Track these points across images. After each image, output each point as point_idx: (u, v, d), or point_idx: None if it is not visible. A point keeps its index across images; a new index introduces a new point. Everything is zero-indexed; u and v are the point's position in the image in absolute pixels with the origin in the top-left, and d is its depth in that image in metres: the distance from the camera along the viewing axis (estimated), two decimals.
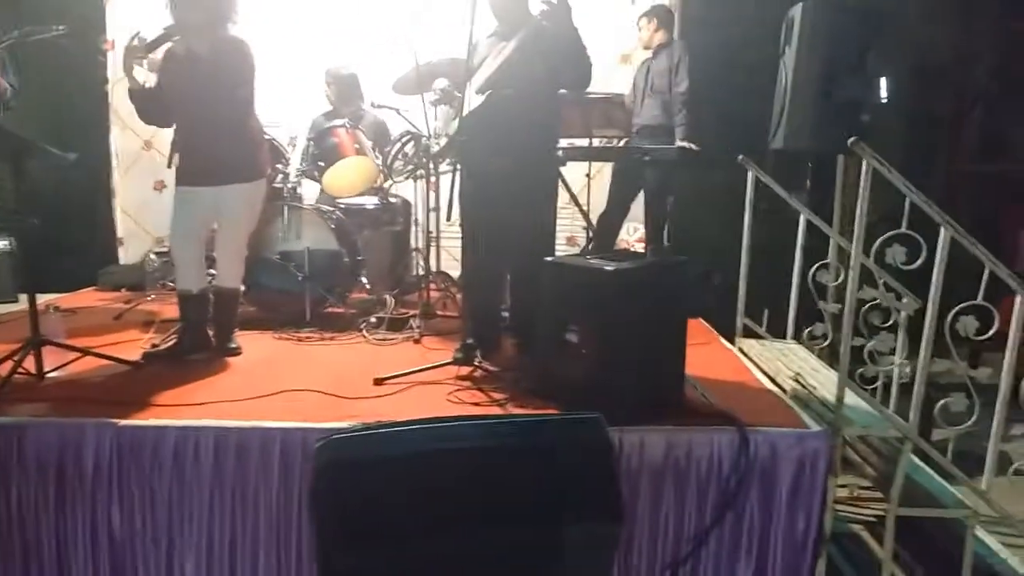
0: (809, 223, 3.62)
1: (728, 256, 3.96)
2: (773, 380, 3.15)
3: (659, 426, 2.48)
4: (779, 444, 2.45)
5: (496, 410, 2.70)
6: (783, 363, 3.34)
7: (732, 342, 3.78)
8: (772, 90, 3.70)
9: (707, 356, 3.45)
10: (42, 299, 3.44)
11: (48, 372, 2.94)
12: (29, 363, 2.88)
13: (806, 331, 3.66)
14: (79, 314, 4.25)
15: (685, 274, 2.84)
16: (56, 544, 2.47)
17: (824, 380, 3.06)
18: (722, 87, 4.83)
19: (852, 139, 2.48)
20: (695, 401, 2.78)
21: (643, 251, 4.64)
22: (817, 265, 3.58)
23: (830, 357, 3.46)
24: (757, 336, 3.82)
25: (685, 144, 4.24)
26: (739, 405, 2.69)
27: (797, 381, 3.03)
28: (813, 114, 3.35)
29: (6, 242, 4.66)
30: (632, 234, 5.06)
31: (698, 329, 3.92)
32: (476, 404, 2.75)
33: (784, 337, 3.79)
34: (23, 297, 3.15)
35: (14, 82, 3.65)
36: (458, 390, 2.88)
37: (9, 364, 2.81)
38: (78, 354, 3.07)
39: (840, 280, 3.50)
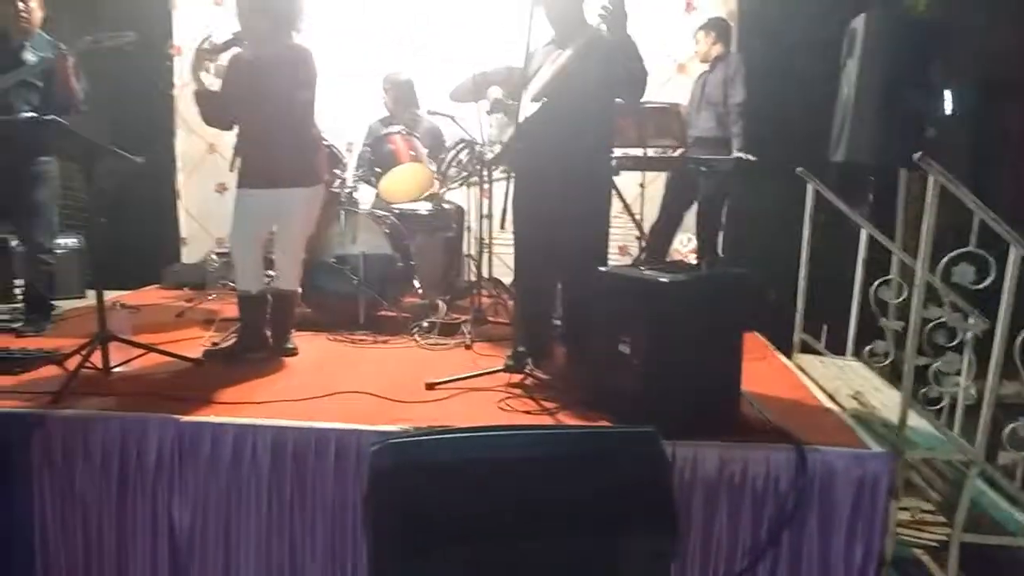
0: (871, 237, 3.53)
1: (784, 269, 3.89)
2: (832, 398, 3.07)
3: (713, 441, 2.45)
4: (838, 464, 2.39)
5: (547, 419, 2.70)
6: (843, 381, 3.27)
7: (789, 357, 3.70)
8: (831, 102, 3.62)
9: (763, 371, 3.39)
10: (109, 296, 3.54)
11: (114, 367, 3.03)
12: (96, 358, 2.98)
13: (867, 348, 3.56)
14: (143, 311, 4.39)
15: (741, 287, 2.79)
16: (117, 535, 2.55)
17: (886, 400, 2.98)
18: (780, 99, 4.76)
19: (917, 154, 2.41)
20: (751, 417, 2.73)
21: (696, 263, 4.59)
22: (879, 281, 3.48)
23: (892, 376, 3.36)
24: (815, 352, 3.74)
25: (741, 155, 4.19)
26: (796, 423, 2.63)
27: (857, 400, 2.96)
28: (876, 127, 3.26)
29: (75, 240, 4.84)
30: (686, 245, 5.01)
31: (754, 343, 3.86)
32: (527, 412, 2.75)
33: (843, 354, 3.70)
34: (91, 293, 3.25)
35: (85, 87, 3.78)
36: (509, 398, 2.89)
37: (77, 359, 2.91)
38: (142, 350, 3.17)
39: (903, 297, 3.40)
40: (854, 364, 3.59)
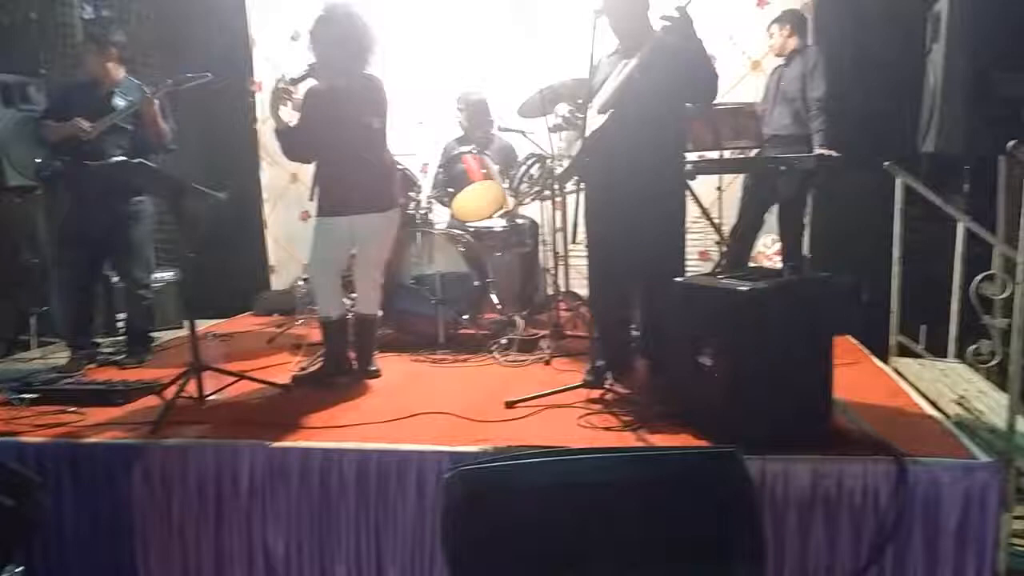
0: (969, 231, 3.33)
1: (875, 268, 3.71)
2: (934, 404, 2.89)
3: (805, 455, 2.34)
4: (942, 476, 2.25)
5: (628, 436, 2.64)
6: (945, 385, 3.08)
7: (885, 362, 3.52)
8: (918, 90, 3.44)
9: (857, 378, 3.23)
10: (203, 326, 3.71)
11: (208, 395, 3.16)
12: (192, 387, 3.11)
13: (970, 349, 3.34)
14: (235, 339, 4.57)
15: (828, 290, 2.67)
16: (215, 559, 2.64)
17: (993, 404, 2.79)
18: (861, 90, 4.55)
19: (1012, 142, 2.25)
20: (845, 428, 2.60)
21: (781, 265, 4.43)
22: (981, 276, 3.27)
23: (999, 378, 3.14)
24: (914, 355, 3.54)
25: (824, 151, 4.02)
26: (895, 432, 2.49)
27: (962, 405, 2.78)
28: (966, 115, 3.08)
29: (172, 273, 5.09)
30: (770, 247, 4.84)
31: (846, 348, 3.69)
32: (607, 428, 2.71)
33: (945, 356, 3.49)
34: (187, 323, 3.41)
35: (173, 126, 3.98)
36: (589, 414, 2.85)
37: (173, 389, 3.05)
38: (234, 378, 3.29)
39: (1008, 292, 3.18)
40: (957, 366, 3.38)
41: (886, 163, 3.45)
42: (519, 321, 4.14)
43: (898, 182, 3.43)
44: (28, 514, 2.10)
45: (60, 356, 4.07)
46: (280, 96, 3.33)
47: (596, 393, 3.02)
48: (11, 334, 4.83)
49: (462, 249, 4.14)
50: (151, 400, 3.19)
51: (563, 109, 3.59)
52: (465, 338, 4.14)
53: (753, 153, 4.33)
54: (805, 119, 4.21)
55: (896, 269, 3.44)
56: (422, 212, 4.31)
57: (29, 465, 2.58)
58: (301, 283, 5.16)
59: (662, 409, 2.78)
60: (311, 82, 3.39)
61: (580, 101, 3.28)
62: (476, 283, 4.11)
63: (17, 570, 2.11)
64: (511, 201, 4.47)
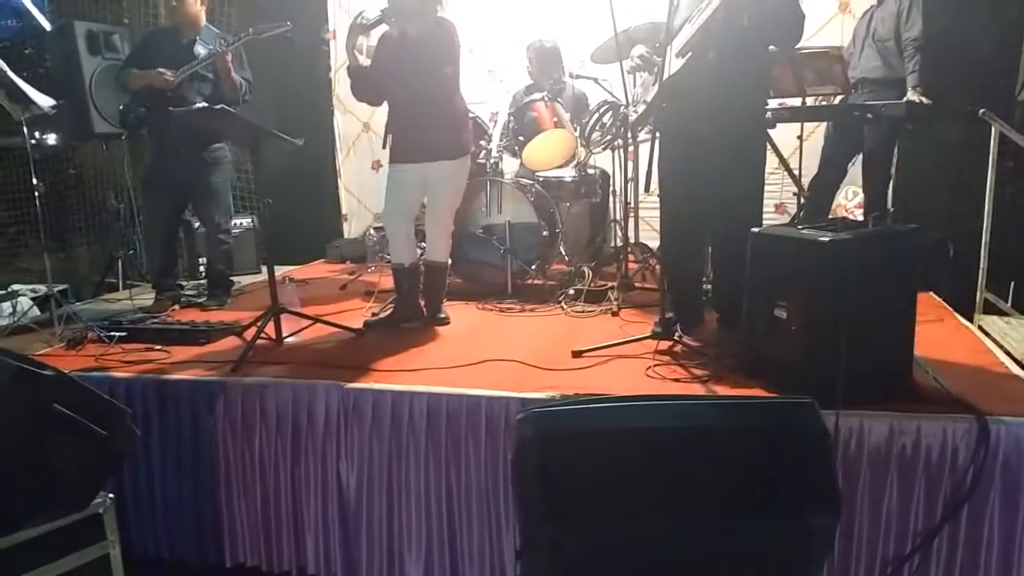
0: None
1: (965, 222, 3.54)
2: (1020, 364, 2.77)
3: (881, 411, 2.28)
4: None
5: (697, 387, 2.62)
6: None
7: (970, 319, 3.37)
8: (1018, 35, 3.22)
9: (940, 335, 3.11)
10: (280, 271, 3.81)
11: (286, 337, 3.27)
12: (270, 329, 3.22)
13: None
14: (310, 284, 4.69)
15: (914, 244, 2.56)
16: (292, 490, 2.76)
17: None
18: (958, 33, 4.28)
19: None
20: (925, 385, 2.52)
21: (863, 218, 4.26)
22: None
23: None
24: (1001, 313, 3.38)
25: (915, 97, 3.81)
26: (978, 391, 2.40)
27: None
28: None
29: (250, 219, 5.24)
30: (851, 199, 4.67)
31: (929, 304, 3.55)
32: (676, 380, 2.69)
33: None
34: (265, 268, 3.52)
35: (248, 76, 4.05)
36: (657, 365, 2.83)
37: (253, 330, 3.16)
38: (310, 321, 3.38)
39: None
40: None
41: (981, 110, 3.25)
42: (587, 272, 4.12)
43: (994, 130, 3.24)
44: (119, 443, 2.21)
45: (146, 298, 4.25)
46: (355, 34, 3.35)
47: (665, 345, 2.99)
48: (99, 276, 5.07)
49: (531, 199, 4.12)
50: (232, 340, 3.32)
51: (640, 50, 3.48)
52: (533, 288, 4.15)
53: (838, 100, 4.15)
54: (897, 62, 3.98)
55: (986, 223, 3.27)
56: (492, 161, 4.29)
57: (119, 399, 2.72)
58: (372, 232, 5.26)
59: (733, 362, 2.74)
60: (385, 27, 3.39)
61: (658, 44, 3.18)
62: (545, 233, 4.10)
63: (109, 496, 2.24)
64: (582, 151, 4.41)
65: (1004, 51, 4.14)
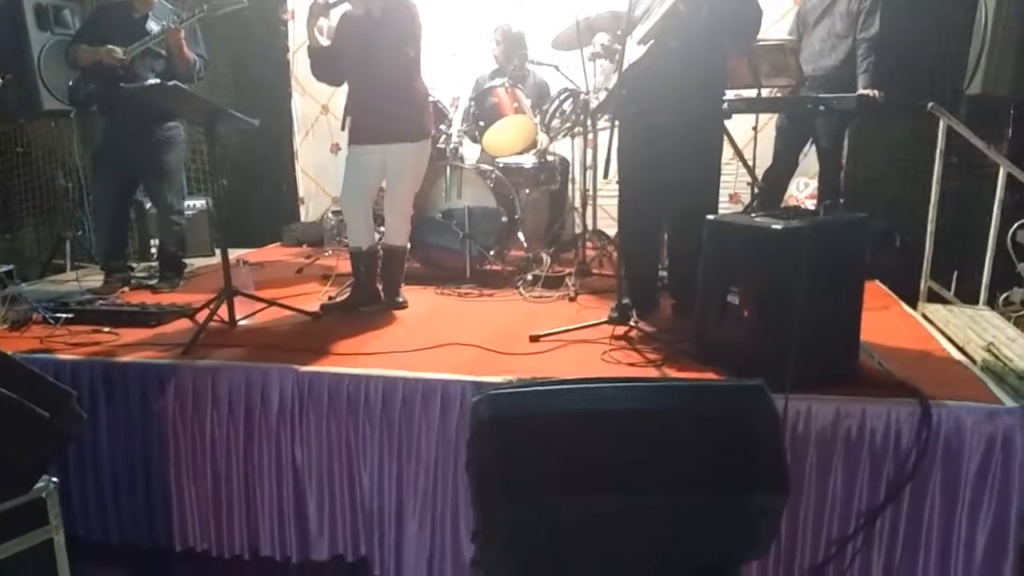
0: (1009, 177, 3.24)
1: (911, 213, 3.64)
2: (962, 350, 2.87)
3: (829, 394, 2.34)
4: (966, 420, 2.24)
5: (652, 372, 2.66)
6: (974, 331, 3.04)
7: (914, 307, 3.48)
8: (966, 30, 3.31)
9: (886, 322, 3.20)
10: (234, 254, 3.75)
11: (239, 320, 3.22)
12: (223, 312, 3.17)
13: (1002, 296, 3.30)
14: (265, 267, 4.62)
15: (862, 233, 2.62)
16: (244, 473, 2.73)
17: (1022, 352, 2.76)
18: (908, 28, 4.38)
19: None
20: (870, 370, 2.59)
21: (814, 208, 4.35)
22: (1017, 224, 3.20)
23: None
24: (944, 301, 3.50)
25: (867, 92, 3.89)
26: (921, 376, 2.48)
27: (990, 351, 2.75)
28: (1016, 56, 2.96)
29: (204, 201, 5.13)
30: (802, 190, 4.76)
31: (876, 292, 3.65)
32: (632, 365, 2.72)
33: (976, 303, 3.45)
34: (219, 251, 3.45)
35: (203, 53, 3.96)
36: (613, 350, 2.86)
37: (205, 313, 3.11)
38: (265, 304, 3.34)
39: None
40: (987, 313, 3.34)
41: (930, 104, 3.34)
42: (545, 258, 4.14)
43: (941, 124, 3.33)
44: (63, 426, 2.16)
45: (94, 279, 4.15)
46: (316, 13, 3.30)
47: (621, 330, 3.02)
48: (46, 257, 4.93)
49: (491, 184, 4.12)
50: (184, 323, 3.27)
51: (602, 38, 3.50)
52: (491, 273, 4.16)
53: (791, 92, 4.21)
54: (851, 58, 4.06)
55: (932, 214, 3.37)
56: (452, 146, 4.28)
57: (64, 382, 2.66)
58: (330, 215, 5.21)
59: (687, 347, 2.78)
60: (347, 7, 3.34)
61: (619, 32, 3.20)
62: (504, 219, 4.10)
63: (52, 480, 2.19)
64: (542, 137, 4.42)
65: (951, 47, 4.25)
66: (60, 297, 3.70)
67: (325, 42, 3.40)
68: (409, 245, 3.73)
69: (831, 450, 2.32)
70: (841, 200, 4.33)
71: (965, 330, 3.07)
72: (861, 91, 3.90)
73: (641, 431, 1.59)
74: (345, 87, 3.55)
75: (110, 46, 3.71)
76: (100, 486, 2.83)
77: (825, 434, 2.32)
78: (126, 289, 4.00)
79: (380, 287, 3.61)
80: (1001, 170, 3.27)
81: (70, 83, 4.01)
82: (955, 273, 3.52)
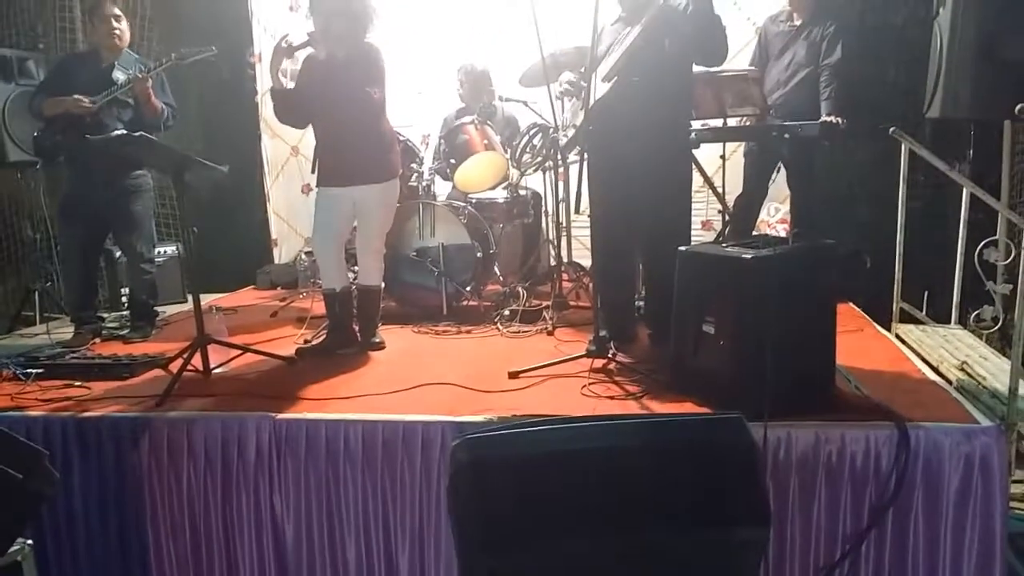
0: (973, 197, 3.31)
1: (881, 235, 3.70)
2: (936, 370, 2.91)
3: (807, 421, 2.35)
4: (944, 441, 2.26)
5: (632, 404, 2.66)
6: (947, 351, 3.09)
7: (888, 328, 3.52)
8: (924, 56, 3.40)
9: (860, 344, 3.24)
10: (206, 300, 3.71)
11: (213, 368, 3.17)
12: (197, 360, 3.12)
13: (973, 315, 3.35)
14: (239, 312, 4.58)
15: (832, 258, 2.66)
16: (223, 527, 2.67)
17: (994, 369, 2.81)
18: (866, 54, 4.50)
19: (1021, 105, 2.23)
20: (847, 394, 2.62)
21: (785, 234, 4.41)
22: (984, 242, 3.27)
23: (1001, 343, 3.16)
24: (916, 321, 3.55)
25: (830, 119, 3.98)
26: (898, 398, 2.51)
27: (964, 371, 2.79)
28: (974, 79, 3.04)
29: (174, 248, 5.08)
30: (773, 215, 4.83)
31: (849, 315, 3.69)
32: (611, 398, 2.72)
33: (948, 322, 3.50)
34: (190, 297, 3.41)
35: (171, 102, 3.95)
36: (593, 383, 2.86)
37: (179, 363, 3.06)
38: (239, 351, 3.30)
39: (1011, 258, 3.18)
40: (959, 332, 3.39)
41: (892, 129, 3.42)
42: (521, 292, 4.14)
43: (903, 148, 3.41)
44: (37, 486, 2.11)
45: (64, 331, 4.08)
46: (280, 55, 3.30)
47: (600, 363, 3.02)
48: (14, 310, 4.84)
49: (464, 221, 4.13)
50: (157, 373, 3.21)
51: (567, 76, 3.55)
52: (468, 310, 4.15)
53: (756, 121, 4.29)
54: (814, 86, 4.14)
55: (900, 236, 3.43)
56: (424, 184, 4.29)
57: (36, 439, 2.60)
58: (303, 257, 5.18)
59: (665, 378, 2.79)
60: (310, 50, 3.36)
61: (583, 69, 3.25)
62: (479, 255, 4.11)
63: (27, 543, 2.13)
64: (514, 172, 4.45)
65: (911, 72, 4.36)
66: (30, 351, 3.63)
67: (289, 85, 3.41)
68: (384, 284, 3.71)
69: (813, 476, 2.33)
70: (812, 224, 4.40)
71: (939, 350, 3.11)
72: (824, 118, 3.98)
73: (621, 469, 1.57)
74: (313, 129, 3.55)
75: (77, 96, 3.69)
76: (75, 546, 2.75)
77: (806, 460, 2.33)
78: (97, 340, 3.93)
79: (357, 328, 3.58)
80: (964, 190, 3.34)
81: (35, 134, 3.98)
82: (925, 293, 3.58)
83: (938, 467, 2.27)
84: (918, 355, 3.11)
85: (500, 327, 3.83)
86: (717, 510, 1.52)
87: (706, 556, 1.53)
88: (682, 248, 2.74)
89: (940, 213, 3.62)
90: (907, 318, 3.56)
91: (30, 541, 2.14)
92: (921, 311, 3.58)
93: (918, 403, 2.50)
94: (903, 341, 3.34)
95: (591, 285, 4.12)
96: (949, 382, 2.75)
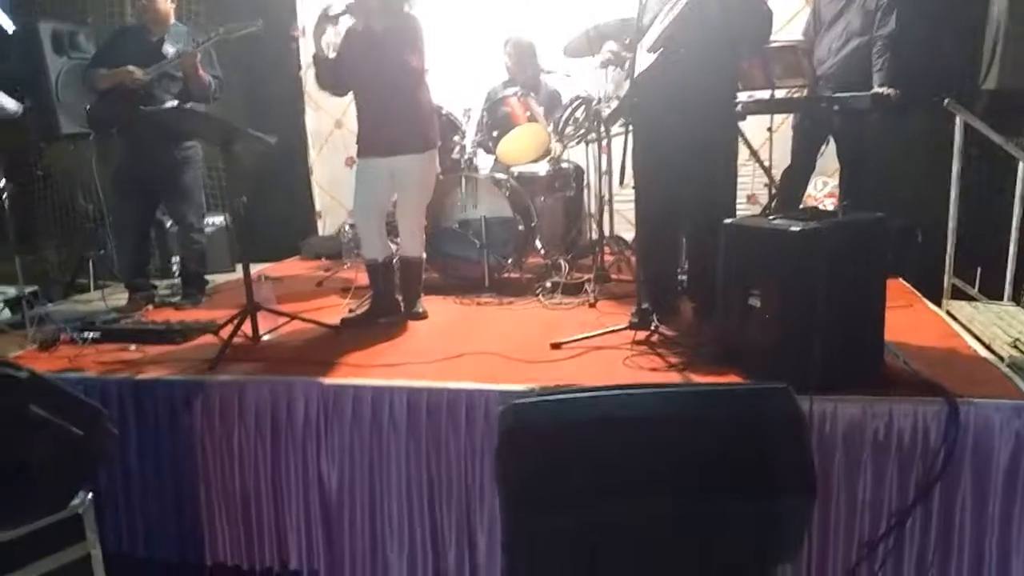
0: None
1: (932, 210, 3.62)
2: (988, 347, 2.85)
3: (854, 395, 2.33)
4: (995, 417, 2.22)
5: (675, 376, 2.66)
6: (1000, 328, 3.02)
7: (938, 304, 3.45)
8: (979, 26, 3.29)
9: (910, 320, 3.18)
10: (255, 269, 3.79)
11: (263, 335, 3.25)
12: (246, 327, 3.20)
13: None
14: (285, 281, 4.66)
15: (882, 232, 2.61)
16: (272, 487, 2.75)
17: None
18: (922, 23, 4.35)
19: None
20: (896, 369, 2.58)
21: (833, 208, 4.33)
22: None
23: None
24: (968, 298, 3.46)
25: (882, 90, 3.87)
26: (948, 374, 2.47)
27: (1017, 348, 2.72)
28: None
29: (222, 218, 5.18)
30: (821, 189, 4.74)
31: (899, 291, 3.63)
32: (654, 370, 2.73)
33: (1000, 299, 3.41)
34: (239, 267, 3.48)
35: (219, 74, 4.01)
36: (635, 355, 2.87)
37: (229, 329, 3.14)
38: (287, 319, 3.37)
39: None
40: (1012, 310, 3.31)
41: (946, 100, 3.32)
42: (563, 265, 4.15)
43: (958, 120, 3.31)
44: (97, 443, 2.19)
45: (118, 298, 4.20)
46: (323, 22, 3.34)
47: (642, 335, 3.02)
48: (69, 277, 5.00)
49: (506, 193, 4.14)
50: (207, 339, 3.29)
51: (611, 46, 3.51)
52: (509, 282, 4.17)
53: (806, 92, 4.20)
54: (866, 56, 4.03)
55: (953, 210, 3.35)
56: (466, 157, 4.30)
57: (94, 399, 2.69)
58: (347, 228, 5.23)
59: (709, 351, 2.78)
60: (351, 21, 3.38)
61: (628, 41, 3.21)
62: (520, 227, 4.11)
63: (88, 497, 2.22)
64: (556, 145, 4.43)
65: (966, 42, 4.22)
66: (86, 316, 3.75)
67: (331, 55, 3.45)
68: (425, 255, 3.75)
69: (859, 451, 2.31)
70: (861, 198, 4.31)
71: (991, 327, 3.04)
72: (876, 89, 3.88)
73: (668, 437, 1.58)
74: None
75: (130, 67, 3.77)
76: (132, 501, 2.87)
77: (852, 435, 2.31)
78: (150, 307, 4.04)
79: (399, 298, 3.63)
80: (1020, 164, 3.24)
81: (87, 106, 4.08)
82: (978, 269, 3.49)
83: (987, 443, 2.24)
84: (969, 332, 3.05)
85: (542, 299, 3.84)
86: (762, 478, 1.52)
87: (751, 524, 1.54)
88: (728, 220, 2.72)
89: (994, 188, 3.51)
90: (959, 294, 3.48)
91: (90, 495, 2.23)
92: (973, 288, 3.49)
93: (969, 380, 2.45)
94: (954, 318, 3.27)
95: (633, 258, 4.11)
96: (1001, 359, 2.69)
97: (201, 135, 3.88)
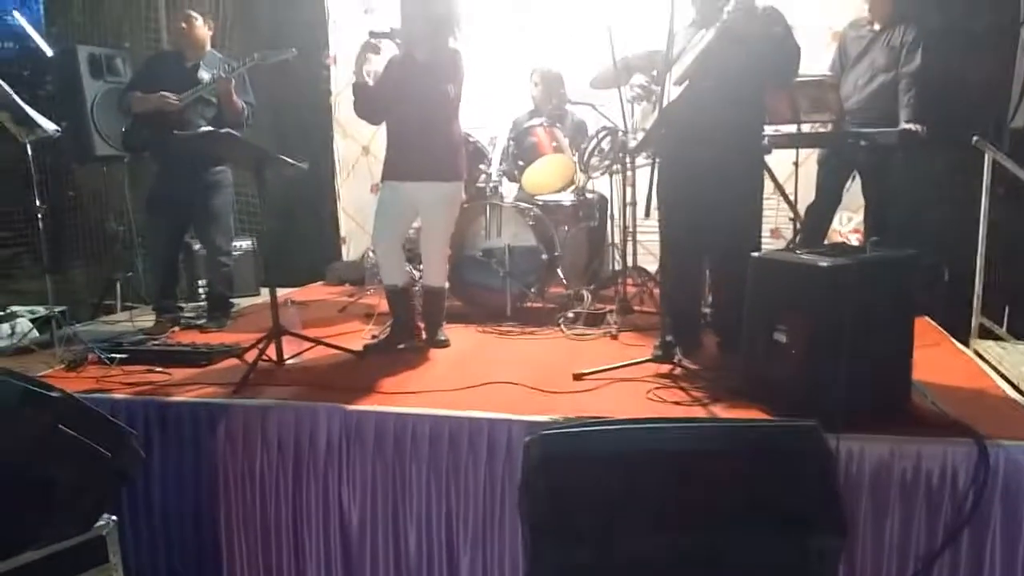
0: None
1: (959, 248, 3.58)
2: (1016, 388, 2.80)
3: (881, 434, 2.30)
4: None
5: (699, 410, 2.64)
6: None
7: (966, 344, 3.41)
8: (1006, 64, 3.28)
9: (937, 360, 3.14)
10: (280, 293, 3.83)
11: (287, 359, 3.27)
12: (271, 351, 3.22)
13: None
14: (310, 306, 4.70)
15: (910, 269, 2.60)
16: (293, 515, 2.75)
17: None
18: (948, 62, 4.36)
19: None
20: (923, 409, 2.54)
21: (858, 244, 4.31)
22: None
23: None
24: (996, 337, 3.42)
25: (909, 126, 3.87)
26: (976, 414, 2.42)
27: None
28: None
29: (250, 242, 5.25)
30: (846, 224, 4.72)
31: (925, 329, 3.59)
32: (677, 403, 2.71)
33: None
34: (265, 290, 3.52)
35: (251, 100, 4.09)
36: (658, 388, 2.85)
37: (254, 352, 3.16)
38: (311, 344, 3.39)
39: None
40: None
41: (975, 138, 3.31)
42: (586, 295, 4.15)
43: (987, 157, 3.30)
44: (124, 465, 2.22)
45: (145, 319, 4.25)
46: (365, 51, 3.39)
47: (665, 368, 3.01)
48: (97, 298, 5.07)
49: (531, 223, 4.16)
50: (233, 362, 3.32)
51: (639, 79, 3.54)
52: (532, 311, 4.17)
53: (831, 127, 4.20)
54: (892, 92, 4.05)
55: (980, 248, 3.32)
56: (491, 185, 4.33)
57: (120, 420, 2.71)
58: (371, 254, 5.28)
59: (733, 385, 2.76)
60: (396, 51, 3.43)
61: (655, 72, 3.24)
62: (544, 257, 4.13)
63: (112, 519, 2.23)
64: (581, 176, 4.46)
65: (994, 79, 4.22)
66: (113, 337, 3.80)
67: (369, 82, 3.50)
68: (448, 284, 3.76)
69: (886, 492, 2.28)
70: (887, 234, 4.29)
71: (1020, 367, 2.99)
72: (904, 125, 3.88)
73: (695, 472, 1.58)
74: (384, 129, 3.62)
75: (164, 92, 3.86)
76: (153, 524, 2.88)
77: (879, 475, 2.28)
78: (176, 329, 4.09)
79: (422, 325, 3.64)
80: None
81: (123, 129, 4.17)
82: (1006, 308, 3.45)
83: (1018, 487, 2.19)
84: (998, 372, 3.01)
85: (564, 329, 3.84)
86: (793, 516, 1.51)
87: (780, 562, 1.52)
88: (755, 254, 2.71)
89: (1022, 226, 3.47)
90: (987, 334, 3.44)
91: (114, 517, 2.24)
92: (1001, 327, 3.45)
93: (998, 421, 2.41)
94: (982, 358, 3.23)
95: (656, 290, 4.10)
96: None
97: (234, 159, 3.95)
